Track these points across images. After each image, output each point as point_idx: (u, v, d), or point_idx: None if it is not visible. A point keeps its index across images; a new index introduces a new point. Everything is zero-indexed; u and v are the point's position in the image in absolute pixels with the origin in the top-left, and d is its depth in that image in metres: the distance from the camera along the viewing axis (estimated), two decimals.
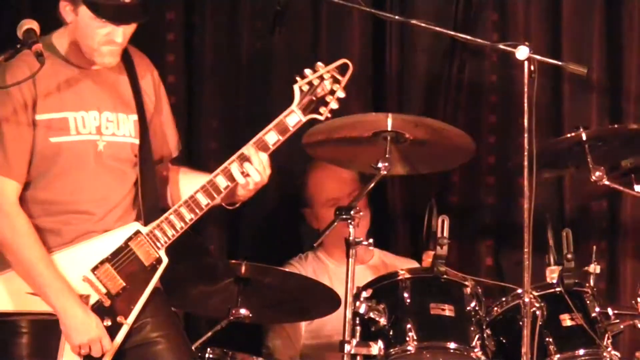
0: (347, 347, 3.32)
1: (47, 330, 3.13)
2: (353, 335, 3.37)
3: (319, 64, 3.25)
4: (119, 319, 3.12)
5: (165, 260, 3.14)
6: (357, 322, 3.45)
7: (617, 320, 3.67)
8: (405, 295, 3.50)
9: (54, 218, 3.13)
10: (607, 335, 3.60)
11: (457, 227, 3.87)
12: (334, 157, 3.88)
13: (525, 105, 3.24)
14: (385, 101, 4.63)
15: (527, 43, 3.36)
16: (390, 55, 4.70)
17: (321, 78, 3.22)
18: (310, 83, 3.22)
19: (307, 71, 3.23)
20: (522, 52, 3.31)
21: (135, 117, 3.22)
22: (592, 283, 3.75)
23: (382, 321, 3.45)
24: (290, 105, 3.21)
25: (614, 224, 4.72)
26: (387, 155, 3.42)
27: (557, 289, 3.65)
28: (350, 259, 3.35)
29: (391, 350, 3.42)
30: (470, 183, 4.68)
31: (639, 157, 3.98)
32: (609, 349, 3.53)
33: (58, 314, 3.08)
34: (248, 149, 3.17)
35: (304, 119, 3.20)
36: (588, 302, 3.67)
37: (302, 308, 3.97)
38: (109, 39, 3.09)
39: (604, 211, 4.68)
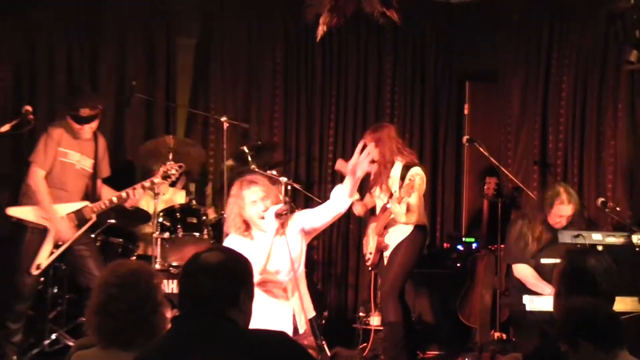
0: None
1: (41, 234, 5.82)
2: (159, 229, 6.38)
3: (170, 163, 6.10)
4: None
5: (94, 218, 5.96)
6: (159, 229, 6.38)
7: None
8: (177, 214, 6.51)
9: (55, 190, 5.88)
10: None
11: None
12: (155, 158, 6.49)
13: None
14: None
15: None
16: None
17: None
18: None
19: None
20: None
21: (92, 160, 6.08)
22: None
23: (168, 225, 6.43)
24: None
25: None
26: (171, 157, 6.44)
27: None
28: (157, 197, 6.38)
29: (172, 236, 6.36)
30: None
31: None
32: None
33: (54, 223, 5.78)
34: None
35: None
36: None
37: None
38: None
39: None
